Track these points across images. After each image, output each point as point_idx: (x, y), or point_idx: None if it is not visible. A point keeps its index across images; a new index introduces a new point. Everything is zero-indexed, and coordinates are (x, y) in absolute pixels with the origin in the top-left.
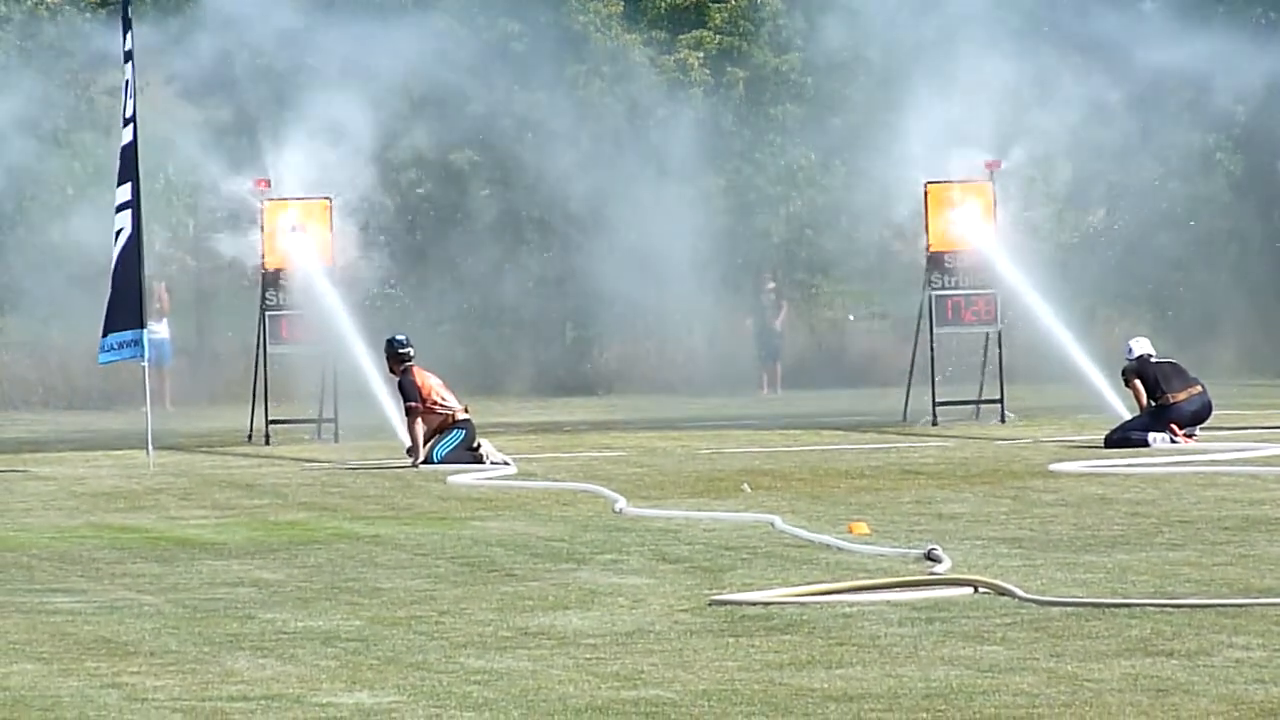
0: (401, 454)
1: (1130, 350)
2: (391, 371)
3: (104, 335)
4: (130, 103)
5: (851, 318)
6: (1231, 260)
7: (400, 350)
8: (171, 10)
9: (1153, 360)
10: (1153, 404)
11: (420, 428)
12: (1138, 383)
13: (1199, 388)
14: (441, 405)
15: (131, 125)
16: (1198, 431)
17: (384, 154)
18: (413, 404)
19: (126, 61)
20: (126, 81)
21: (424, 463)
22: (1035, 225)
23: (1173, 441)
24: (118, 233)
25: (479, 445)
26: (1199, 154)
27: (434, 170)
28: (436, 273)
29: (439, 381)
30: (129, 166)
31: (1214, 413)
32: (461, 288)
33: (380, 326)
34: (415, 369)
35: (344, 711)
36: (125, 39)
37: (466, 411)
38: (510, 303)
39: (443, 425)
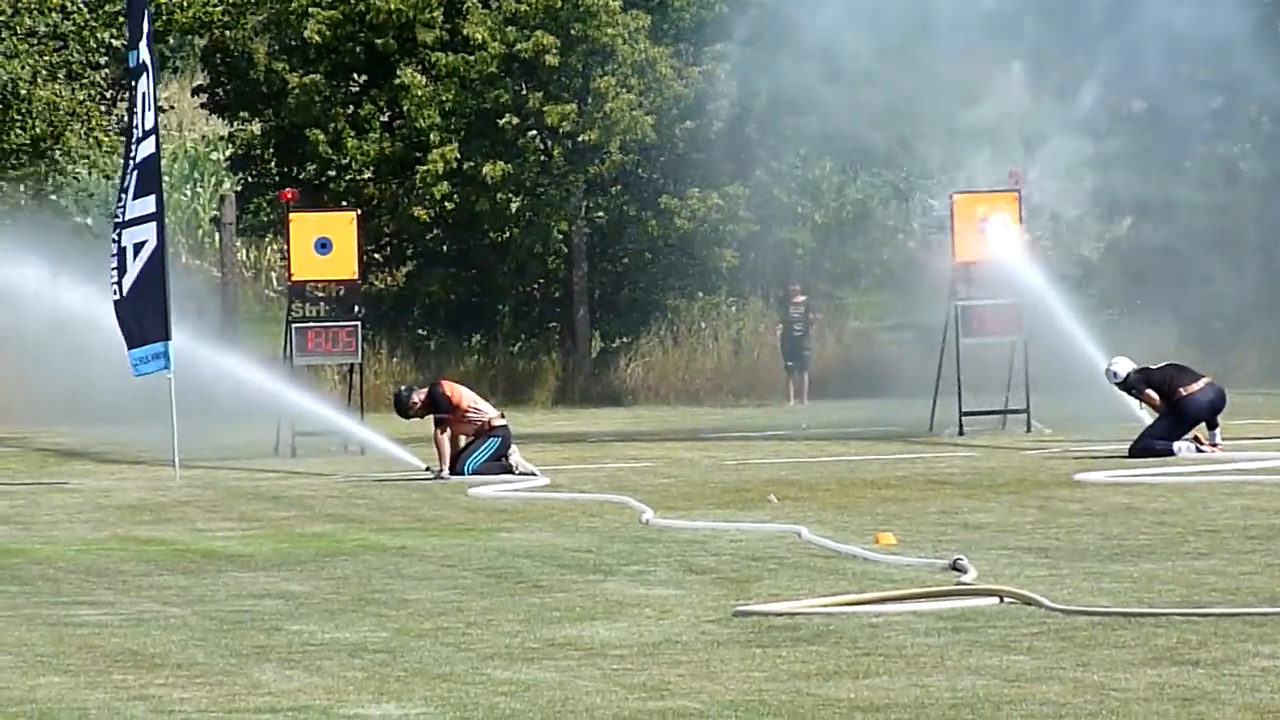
0: (420, 473)
1: (1116, 374)
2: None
3: (133, 348)
4: (150, 115)
5: (880, 322)
6: (1255, 269)
7: (409, 401)
8: None
9: (1152, 367)
10: (1166, 404)
11: (447, 439)
12: (1148, 390)
13: (1208, 379)
14: (475, 412)
15: (153, 138)
16: (1220, 439)
17: None
18: (442, 414)
19: (141, 74)
20: (143, 94)
21: (454, 473)
22: (1060, 235)
23: (1199, 450)
24: (139, 245)
25: (510, 453)
26: (1223, 163)
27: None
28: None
29: (470, 392)
30: (150, 179)
31: (1240, 420)
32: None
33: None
34: (444, 382)
35: None
36: (141, 50)
37: (503, 417)
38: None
39: (478, 433)
